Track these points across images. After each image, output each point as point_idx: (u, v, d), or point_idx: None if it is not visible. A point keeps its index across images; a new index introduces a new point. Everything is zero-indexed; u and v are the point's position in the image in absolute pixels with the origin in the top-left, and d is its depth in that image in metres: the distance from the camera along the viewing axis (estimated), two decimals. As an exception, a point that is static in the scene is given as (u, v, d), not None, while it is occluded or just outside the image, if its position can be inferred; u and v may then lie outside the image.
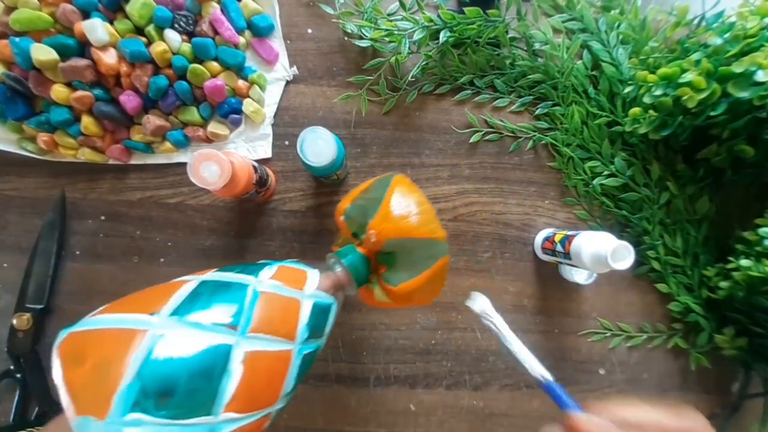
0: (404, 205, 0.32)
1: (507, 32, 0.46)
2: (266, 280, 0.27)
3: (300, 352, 0.26)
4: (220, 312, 0.23)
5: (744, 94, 0.36)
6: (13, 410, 0.43)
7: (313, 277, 0.29)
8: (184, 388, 0.20)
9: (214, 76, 0.44)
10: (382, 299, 0.35)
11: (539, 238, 0.48)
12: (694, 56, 0.39)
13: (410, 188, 0.33)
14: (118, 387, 0.19)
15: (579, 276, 0.47)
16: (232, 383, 0.22)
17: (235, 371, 0.22)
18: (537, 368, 0.28)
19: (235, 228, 0.47)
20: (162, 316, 0.22)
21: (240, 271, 0.27)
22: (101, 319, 0.22)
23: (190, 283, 0.25)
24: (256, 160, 0.47)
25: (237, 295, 0.25)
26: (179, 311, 0.23)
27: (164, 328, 0.21)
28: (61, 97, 0.41)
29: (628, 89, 0.45)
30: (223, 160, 0.34)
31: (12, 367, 0.44)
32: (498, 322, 0.30)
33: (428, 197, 0.48)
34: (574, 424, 0.20)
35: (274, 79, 0.47)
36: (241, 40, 0.45)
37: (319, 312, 0.28)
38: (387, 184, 0.33)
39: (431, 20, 0.45)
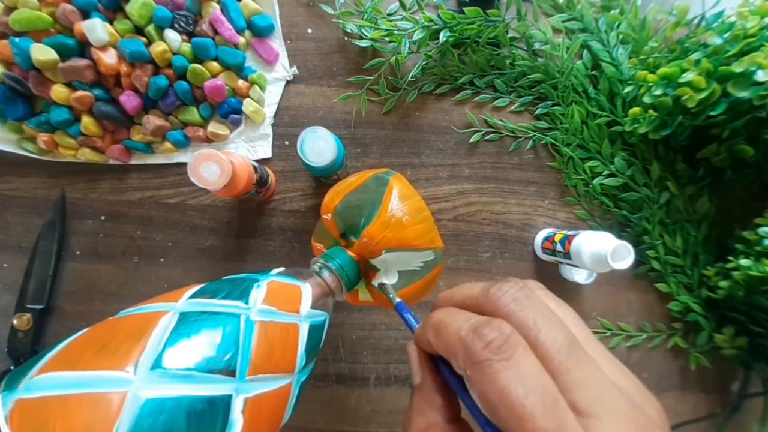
0: (405, 211, 0.30)
1: (507, 32, 0.46)
2: (259, 305, 0.23)
3: (298, 381, 0.24)
4: (212, 354, 0.19)
5: (744, 94, 0.36)
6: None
7: (307, 293, 0.26)
8: None
9: (214, 76, 0.44)
10: (366, 299, 0.34)
11: (539, 238, 0.48)
12: (694, 56, 0.39)
13: (409, 191, 0.32)
14: None
15: (579, 276, 0.47)
16: None
17: (237, 423, 0.19)
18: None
19: (235, 228, 0.47)
20: (141, 370, 0.17)
21: (225, 296, 0.23)
22: (60, 380, 0.17)
23: (166, 316, 0.21)
24: (256, 160, 0.47)
25: (229, 330, 0.21)
26: (161, 360, 0.18)
27: (147, 387, 0.17)
28: (61, 97, 0.41)
29: (628, 89, 0.45)
30: (223, 160, 0.34)
31: (12, 367, 0.43)
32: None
33: (428, 197, 0.49)
34: (416, 340, 0.20)
35: (274, 79, 0.47)
36: (241, 40, 0.45)
37: (315, 332, 0.26)
38: (384, 183, 0.31)
39: (431, 20, 0.45)
